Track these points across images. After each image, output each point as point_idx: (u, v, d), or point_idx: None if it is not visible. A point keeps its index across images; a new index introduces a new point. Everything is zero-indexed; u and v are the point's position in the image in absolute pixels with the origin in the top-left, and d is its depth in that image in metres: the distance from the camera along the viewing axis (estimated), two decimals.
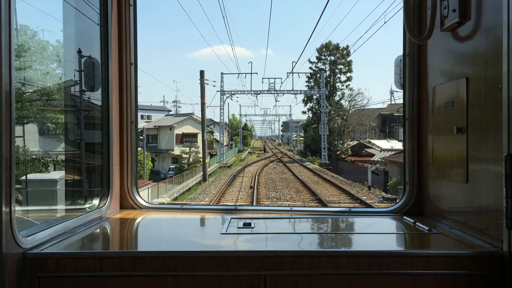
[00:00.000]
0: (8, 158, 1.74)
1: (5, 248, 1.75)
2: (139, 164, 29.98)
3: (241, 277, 1.96)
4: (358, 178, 30.41)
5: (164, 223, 2.87)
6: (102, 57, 2.88)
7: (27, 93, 4.92)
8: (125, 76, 3.00)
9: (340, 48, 58.50)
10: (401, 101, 3.48)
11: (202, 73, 34.58)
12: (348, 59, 58.37)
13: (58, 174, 4.57)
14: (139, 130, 5.35)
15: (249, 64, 63.41)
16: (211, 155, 54.89)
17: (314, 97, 57.62)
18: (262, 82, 77.27)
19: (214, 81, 68.27)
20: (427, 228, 2.45)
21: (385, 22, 68.84)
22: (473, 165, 2.17)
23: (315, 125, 58.09)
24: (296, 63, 64.09)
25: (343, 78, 58.96)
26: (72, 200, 3.60)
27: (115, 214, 2.89)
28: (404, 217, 2.80)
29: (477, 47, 2.15)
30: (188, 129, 58.70)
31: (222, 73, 52.61)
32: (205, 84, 34.86)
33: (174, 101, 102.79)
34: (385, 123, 58.69)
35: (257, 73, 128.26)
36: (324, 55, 59.44)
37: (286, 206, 3.29)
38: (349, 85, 58.76)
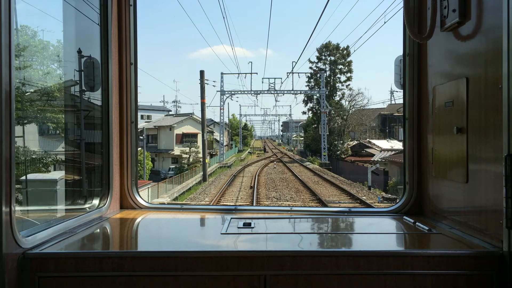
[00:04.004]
0: (8, 158, 1.74)
1: (5, 248, 1.75)
2: (139, 164, 29.98)
3: (241, 277, 1.96)
4: (358, 178, 30.40)
5: (164, 223, 2.87)
6: (102, 57, 2.88)
7: (27, 93, 4.92)
8: (125, 76, 3.00)
9: (340, 48, 58.51)
10: (401, 101, 3.49)
11: (202, 73, 34.57)
12: (348, 59, 58.41)
13: (58, 174, 4.56)
14: (139, 130, 5.35)
15: (249, 64, 63.44)
16: (211, 155, 54.88)
17: (314, 97, 57.63)
18: (262, 82, 77.25)
19: (214, 81, 68.32)
20: (427, 228, 2.46)
21: (385, 22, 68.82)
22: (473, 165, 2.17)
23: (315, 125, 58.09)
24: (296, 63, 64.26)
25: (343, 78, 59.03)
26: (72, 200, 3.60)
27: (115, 214, 2.89)
28: (404, 217, 2.80)
29: (477, 47, 2.14)
30: (188, 129, 58.71)
31: (222, 73, 52.64)
32: (205, 84, 34.85)
33: (174, 101, 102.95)
34: (385, 123, 58.71)
35: (257, 73, 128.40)
36: (324, 55, 59.45)
37: (286, 206, 3.29)
38: (349, 85, 58.85)
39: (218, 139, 58.35)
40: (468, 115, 2.20)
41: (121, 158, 3.01)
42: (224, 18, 72.34)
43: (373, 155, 39.53)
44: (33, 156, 5.30)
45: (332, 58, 58.96)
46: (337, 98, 58.68)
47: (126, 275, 1.94)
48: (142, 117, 78.05)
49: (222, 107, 53.35)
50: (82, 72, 3.06)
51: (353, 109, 57.94)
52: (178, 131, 57.84)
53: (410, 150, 2.91)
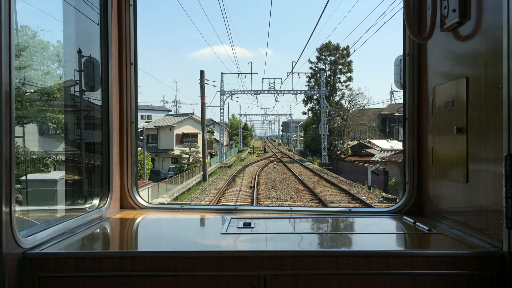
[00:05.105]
0: (8, 158, 1.74)
1: (5, 248, 1.75)
2: (139, 164, 29.96)
3: (241, 277, 1.96)
4: (358, 178, 30.40)
5: (164, 223, 2.87)
6: (102, 57, 2.88)
7: (27, 93, 4.92)
8: (125, 76, 3.00)
9: (340, 48, 58.51)
10: (401, 101, 3.49)
11: (202, 73, 34.57)
12: (348, 59, 58.41)
13: (58, 174, 4.56)
14: (139, 130, 5.35)
15: (249, 64, 63.47)
16: (211, 155, 54.88)
17: (314, 97, 57.63)
18: (262, 82, 77.31)
19: (214, 81, 68.34)
20: (427, 228, 2.46)
21: (385, 22, 68.81)
22: (473, 165, 2.17)
23: (315, 125, 58.09)
24: (296, 63, 64.35)
25: (343, 78, 59.05)
26: (72, 200, 3.60)
27: (115, 214, 2.89)
28: (404, 217, 2.80)
29: (477, 47, 2.15)
30: (188, 129, 58.70)
31: (222, 73, 52.64)
32: (205, 84, 34.85)
33: (174, 101, 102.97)
34: (385, 123, 58.72)
35: (257, 73, 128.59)
36: (324, 55, 59.44)
37: (286, 206, 3.29)
38: (349, 85, 58.87)
39: (218, 139, 58.35)
40: (468, 115, 2.20)
41: (121, 158, 3.01)
42: (224, 18, 72.51)
43: (373, 155, 39.53)
44: (33, 156, 5.30)
45: (332, 58, 58.96)
46: (337, 98, 58.69)
47: (126, 275, 1.94)
48: (142, 117, 78.05)
49: (222, 107, 53.37)
50: (82, 72, 3.06)
51: (353, 109, 57.96)
52: (178, 131, 57.84)
53: (410, 150, 2.91)
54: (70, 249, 2.10)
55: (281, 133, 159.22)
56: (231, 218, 2.76)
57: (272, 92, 51.11)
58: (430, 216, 2.75)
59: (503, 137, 1.83)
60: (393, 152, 34.51)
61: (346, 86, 58.81)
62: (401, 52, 2.96)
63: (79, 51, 3.13)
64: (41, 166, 5.44)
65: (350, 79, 58.63)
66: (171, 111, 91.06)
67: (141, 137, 46.70)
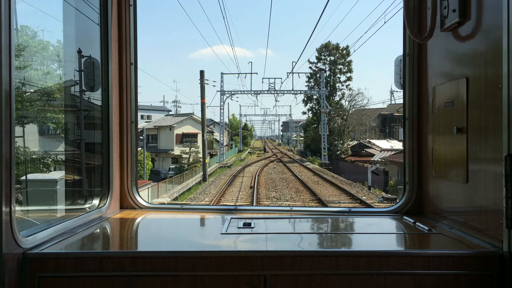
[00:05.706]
0: (8, 158, 1.74)
1: (5, 248, 1.76)
2: (139, 164, 29.95)
3: (241, 277, 1.96)
4: (358, 178, 30.39)
5: (164, 223, 2.87)
6: (102, 57, 2.88)
7: (27, 93, 4.92)
8: (125, 76, 3.00)
9: (340, 48, 58.51)
10: (401, 101, 3.49)
11: (202, 73, 34.58)
12: (348, 59, 58.41)
13: (58, 174, 4.56)
14: (139, 130, 5.35)
15: (249, 64, 63.50)
16: (211, 155, 54.89)
17: (314, 97, 57.64)
18: (262, 82, 77.35)
19: (214, 81, 68.41)
20: (427, 228, 2.46)
21: (385, 22, 68.90)
22: (473, 165, 2.17)
23: (315, 125, 58.10)
24: (296, 63, 64.28)
25: (343, 78, 59.06)
26: (72, 200, 3.60)
27: (115, 214, 2.89)
28: (404, 217, 2.81)
29: (477, 47, 2.15)
30: (188, 129, 58.71)
31: (222, 73, 52.63)
32: (205, 84, 34.86)
33: (174, 101, 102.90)
34: (385, 123, 58.72)
35: (257, 73, 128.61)
36: (324, 55, 59.44)
37: (286, 206, 3.29)
38: (349, 85, 58.88)
39: (218, 139, 58.34)
40: (468, 115, 2.20)
41: (121, 158, 3.02)
42: (224, 18, 72.48)
43: (373, 155, 39.55)
44: (33, 156, 5.30)
45: (332, 58, 58.96)
46: (337, 98, 58.70)
47: (126, 275, 1.94)
48: (142, 117, 78.06)
49: (222, 107, 53.36)
50: (82, 72, 3.06)
51: (353, 109, 57.96)
52: (178, 131, 57.85)
53: (410, 150, 2.91)
54: (70, 249, 2.10)
55: (281, 133, 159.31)
56: (231, 218, 2.77)
57: (272, 92, 51.11)
58: (430, 216, 2.75)
59: (503, 137, 1.83)
60: (393, 152, 34.53)
61: (346, 86, 58.88)
62: (401, 52, 2.97)
63: (79, 51, 3.13)
64: (41, 166, 5.44)
65: (350, 79, 58.66)
66: (171, 111, 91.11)
67: (141, 137, 46.71)
